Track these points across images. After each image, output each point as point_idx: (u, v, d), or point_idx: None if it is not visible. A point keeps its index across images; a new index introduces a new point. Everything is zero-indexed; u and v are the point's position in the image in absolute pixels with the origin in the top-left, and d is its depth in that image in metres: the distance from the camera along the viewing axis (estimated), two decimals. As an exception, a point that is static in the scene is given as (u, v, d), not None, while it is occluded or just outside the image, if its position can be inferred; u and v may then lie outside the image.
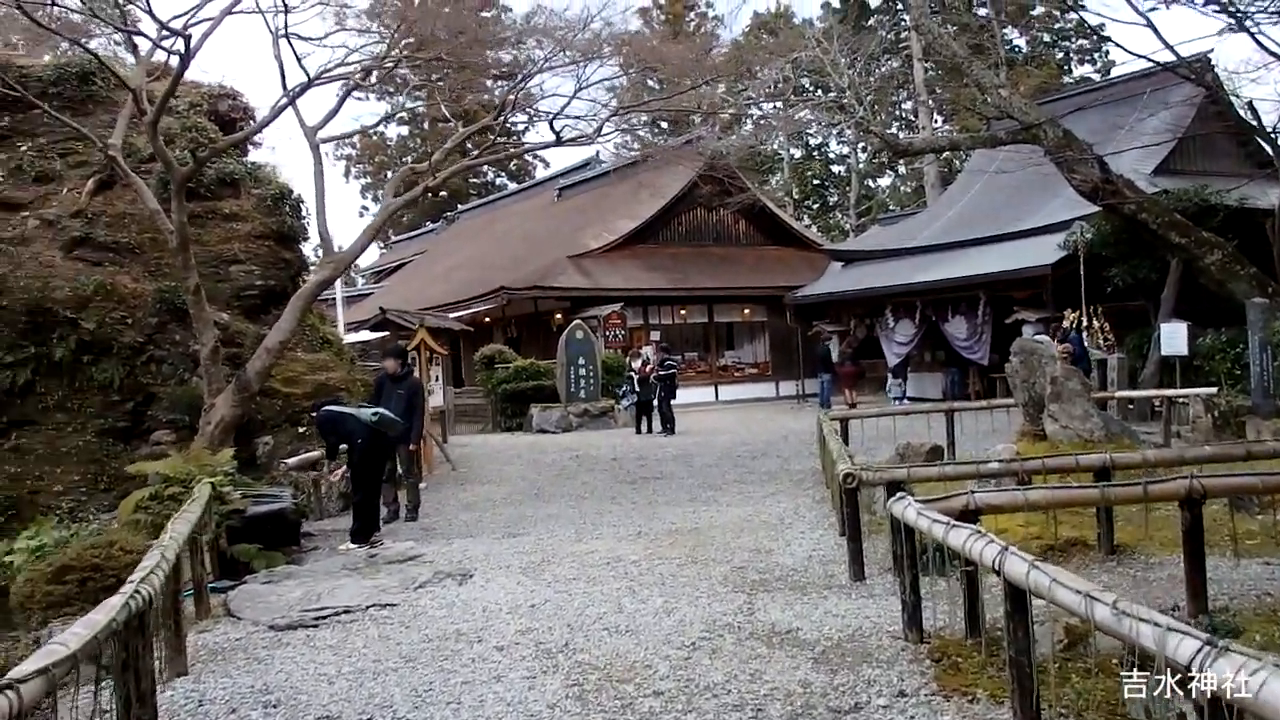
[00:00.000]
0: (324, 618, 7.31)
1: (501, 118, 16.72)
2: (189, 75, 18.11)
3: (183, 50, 11.77)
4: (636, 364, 21.49)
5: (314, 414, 10.95)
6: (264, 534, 9.92)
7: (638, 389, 21.06)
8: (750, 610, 6.64)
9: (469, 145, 18.38)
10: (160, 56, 14.08)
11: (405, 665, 5.96)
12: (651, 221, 31.21)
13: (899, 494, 5.87)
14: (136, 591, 4.56)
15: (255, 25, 17.71)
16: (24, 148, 16.09)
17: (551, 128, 15.89)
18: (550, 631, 6.43)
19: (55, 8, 14.79)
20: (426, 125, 45.46)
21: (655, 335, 28.02)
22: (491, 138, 17.23)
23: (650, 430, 20.70)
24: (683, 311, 30.59)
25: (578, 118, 16.36)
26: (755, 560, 8.26)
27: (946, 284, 22.80)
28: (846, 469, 7.51)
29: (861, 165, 45.91)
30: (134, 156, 15.03)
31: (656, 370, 20.71)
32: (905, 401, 23.32)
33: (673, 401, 20.67)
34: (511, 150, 25.72)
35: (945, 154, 36.08)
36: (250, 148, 18.40)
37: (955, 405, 14.85)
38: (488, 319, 30.94)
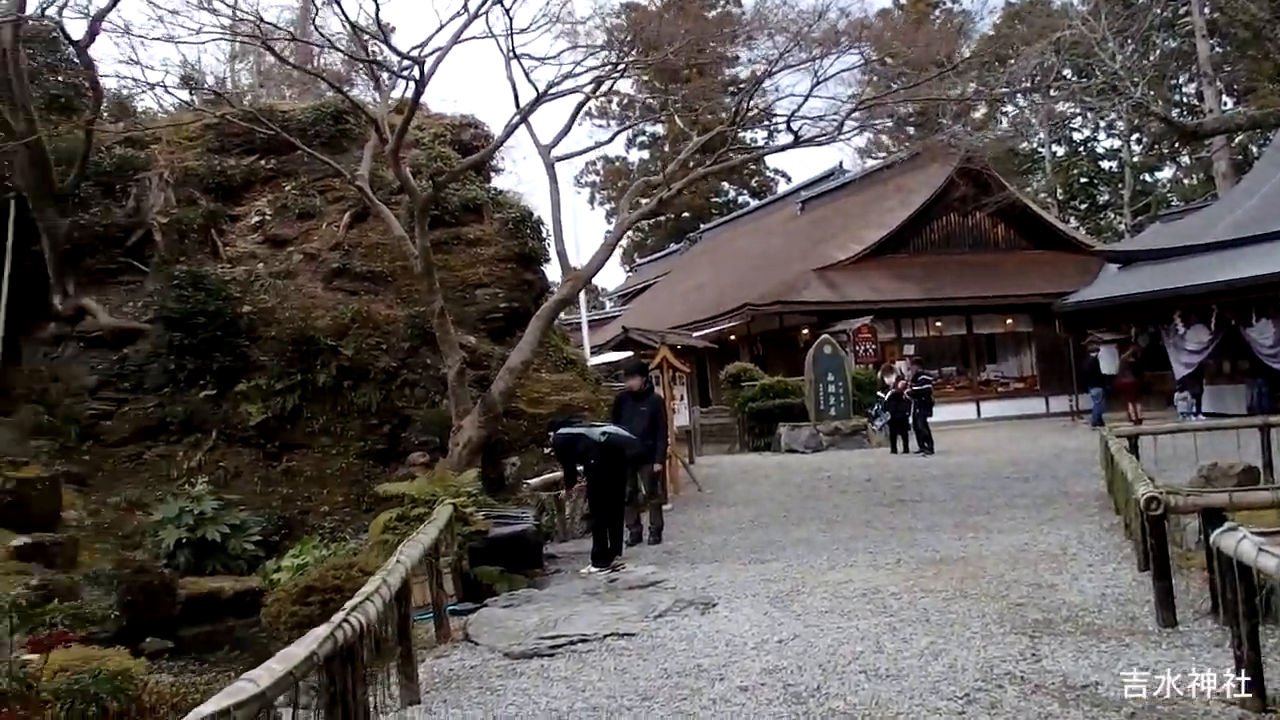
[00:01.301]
0: (559, 646, 6.89)
1: (736, 125, 16.19)
2: (434, 108, 18.85)
3: (418, 77, 11.97)
4: (890, 379, 20.32)
5: (549, 434, 10.70)
6: (506, 556, 9.75)
7: (891, 406, 19.90)
8: (1035, 656, 5.64)
9: (707, 161, 17.99)
10: (404, 95, 14.46)
11: (640, 704, 5.41)
12: (901, 229, 29.79)
13: (1228, 524, 4.74)
14: (346, 621, 4.20)
15: (494, 60, 17.79)
16: (289, 187, 17.08)
17: (789, 127, 15.24)
18: (800, 672, 5.70)
19: (316, 48, 15.64)
20: (667, 147, 45.72)
21: (909, 349, 26.62)
22: (725, 147, 16.72)
23: (906, 449, 19.50)
24: (938, 323, 28.97)
25: (817, 117, 15.61)
26: (1036, 596, 7.17)
27: (1249, 283, 20.16)
28: (1149, 492, 6.31)
29: (1136, 158, 42.26)
30: (384, 188, 15.60)
31: (911, 385, 19.49)
32: (1200, 417, 20.84)
33: (929, 419, 19.38)
34: (747, 155, 25.21)
35: (1240, 137, 32.39)
36: (493, 174, 18.79)
37: (1271, 419, 12.79)
38: (733, 336, 30.48)
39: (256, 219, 16.72)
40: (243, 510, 13.42)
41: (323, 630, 3.99)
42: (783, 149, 17.80)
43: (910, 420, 19.41)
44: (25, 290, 15.54)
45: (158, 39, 15.35)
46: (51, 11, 14.24)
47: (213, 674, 6.32)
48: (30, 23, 14.73)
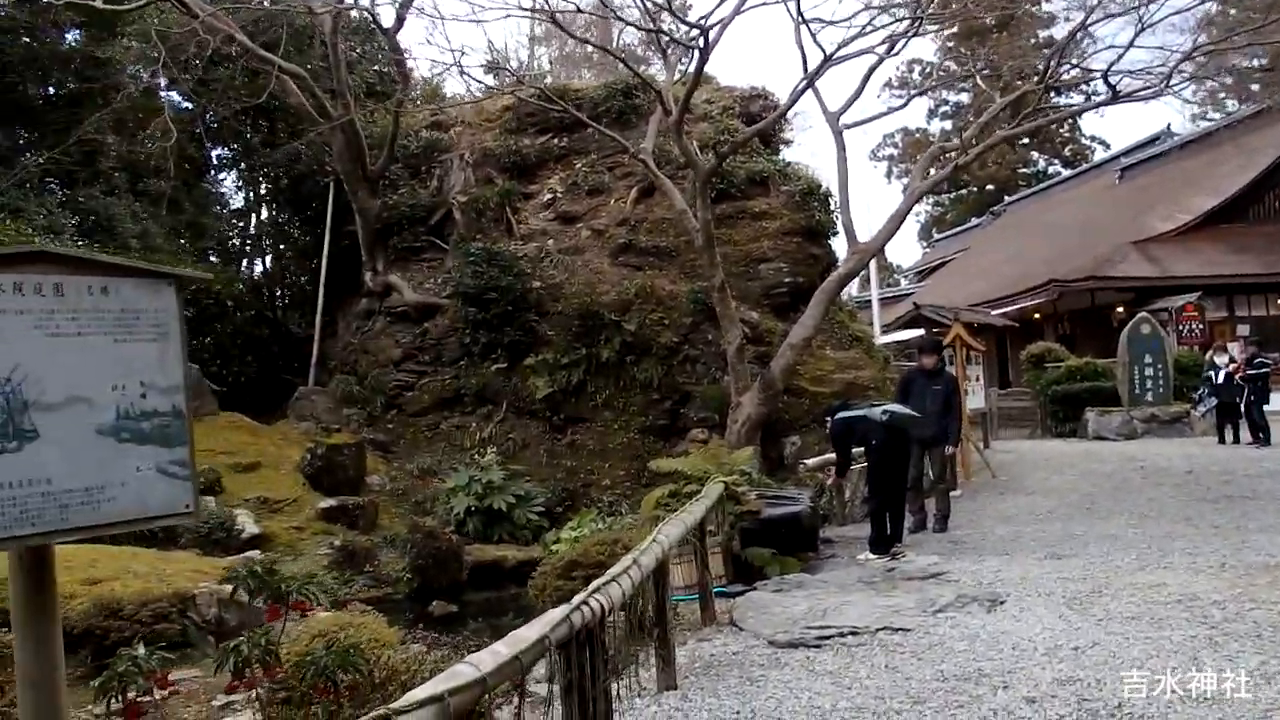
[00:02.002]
0: (828, 638, 6.48)
1: (1046, 84, 14.83)
2: (723, 81, 18.63)
3: (702, 45, 11.75)
4: (1222, 359, 18.15)
5: (827, 418, 10.20)
6: (779, 537, 9.44)
7: (1220, 391, 17.76)
8: None
9: (1011, 124, 16.66)
10: (690, 69, 14.33)
11: (912, 708, 4.92)
12: (1238, 196, 26.60)
13: None
14: (585, 604, 3.99)
15: (785, 31, 17.20)
16: (579, 165, 17.44)
17: (1106, 81, 13.71)
18: (1099, 685, 4.99)
19: (615, 29, 15.81)
20: (971, 116, 43.33)
21: (1243, 329, 23.79)
22: (1034, 106, 15.35)
23: (1237, 440, 17.39)
24: (1280, 301, 25.72)
25: (1139, 70, 13.95)
26: (1406, 616, 5.98)
27: None
28: None
29: None
30: (671, 163, 15.59)
31: (1245, 369, 17.32)
32: None
33: (1265, 406, 17.14)
34: (1057, 117, 23.38)
35: None
36: (781, 146, 18.35)
37: None
38: (1036, 315, 28.48)
39: (548, 196, 17.19)
40: (528, 481, 13.85)
41: (557, 613, 3.79)
42: (1098, 106, 16.08)
43: (1243, 408, 17.28)
44: (341, 268, 16.83)
45: (459, 19, 16.03)
46: (365, 1, 15.19)
47: (449, 649, 6.32)
48: (349, 13, 15.81)
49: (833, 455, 11.40)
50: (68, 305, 2.67)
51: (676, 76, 15.72)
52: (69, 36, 18.23)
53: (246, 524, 11.23)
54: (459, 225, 16.74)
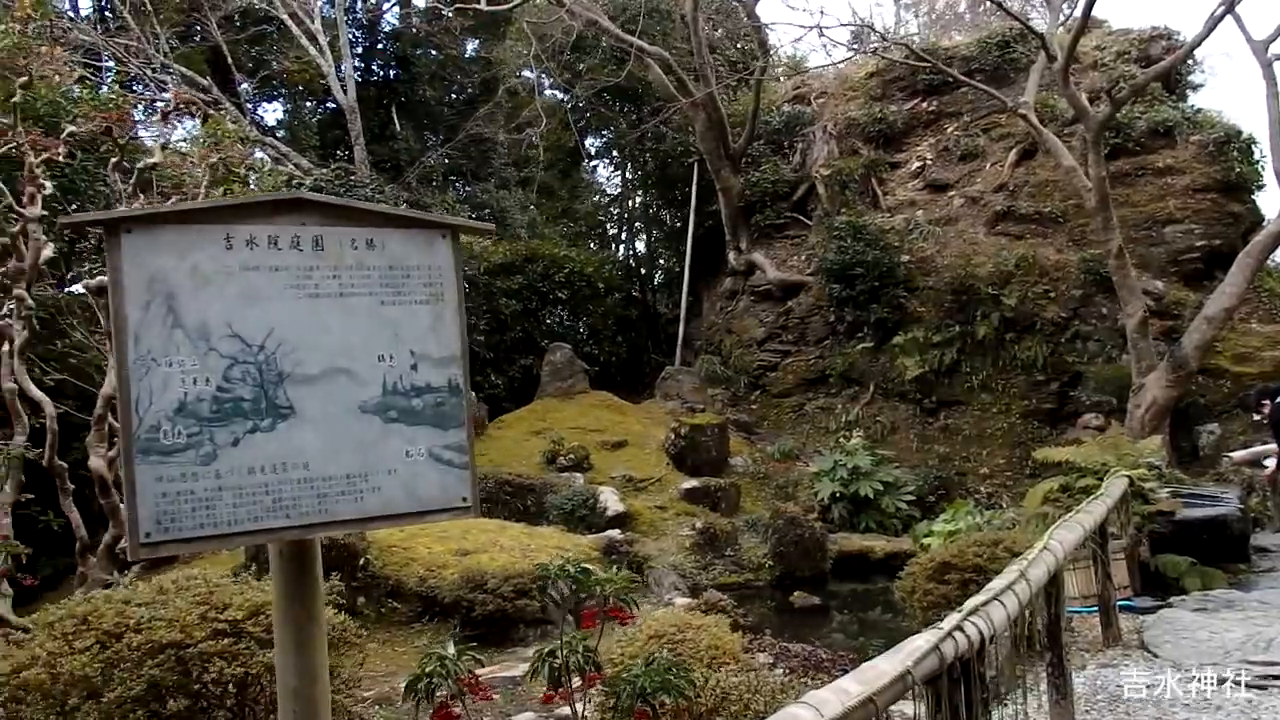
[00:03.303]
0: (1276, 677, 5.21)
1: None
2: (1117, 24, 16.61)
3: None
4: None
5: (1261, 401, 8.56)
6: (1198, 544, 8.16)
7: None
8: None
9: None
10: (1074, 14, 12.80)
11: None
12: None
13: None
14: (959, 629, 3.23)
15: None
16: (950, 129, 16.30)
17: None
18: None
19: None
20: None
21: None
22: None
23: None
24: None
25: None
26: None
27: None
28: None
29: None
30: (1055, 120, 14.24)
31: None
32: None
33: None
34: None
35: None
36: (1189, 91, 16.01)
37: None
38: None
39: (917, 164, 16.16)
40: (896, 467, 13.02)
41: (923, 642, 3.06)
42: None
43: None
44: (705, 248, 16.84)
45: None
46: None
47: (795, 666, 5.62)
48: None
49: (1269, 446, 9.64)
50: (328, 261, 2.27)
51: (1060, 20, 14.16)
52: (469, 46, 19.96)
53: (610, 502, 11.31)
54: (822, 200, 16.13)
